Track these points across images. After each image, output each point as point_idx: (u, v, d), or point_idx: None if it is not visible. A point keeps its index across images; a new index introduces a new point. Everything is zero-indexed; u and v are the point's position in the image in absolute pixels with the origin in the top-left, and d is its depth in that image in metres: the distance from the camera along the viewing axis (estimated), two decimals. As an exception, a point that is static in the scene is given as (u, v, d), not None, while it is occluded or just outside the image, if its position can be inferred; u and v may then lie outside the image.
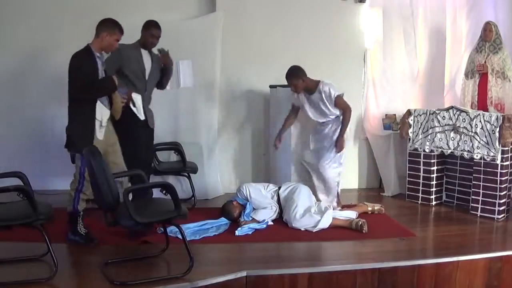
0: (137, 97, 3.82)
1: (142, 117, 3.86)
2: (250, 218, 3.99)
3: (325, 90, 4.25)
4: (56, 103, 5.05)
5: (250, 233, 3.81)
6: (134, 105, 3.80)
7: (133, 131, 3.81)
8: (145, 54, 4.00)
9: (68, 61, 5.01)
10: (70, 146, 3.44)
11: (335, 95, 4.26)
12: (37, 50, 4.99)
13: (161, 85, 4.22)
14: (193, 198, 4.68)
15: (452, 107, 4.63)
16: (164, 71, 4.15)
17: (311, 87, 4.31)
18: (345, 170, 5.43)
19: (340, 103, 4.30)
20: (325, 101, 4.27)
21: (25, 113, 5.04)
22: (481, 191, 4.35)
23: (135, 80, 3.90)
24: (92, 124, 3.40)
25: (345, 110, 4.32)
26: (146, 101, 3.97)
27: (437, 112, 4.70)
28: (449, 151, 4.61)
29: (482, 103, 4.88)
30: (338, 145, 4.34)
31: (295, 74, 4.27)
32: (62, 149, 4.61)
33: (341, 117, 4.34)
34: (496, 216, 4.27)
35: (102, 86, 3.44)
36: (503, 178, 4.26)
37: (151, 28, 3.98)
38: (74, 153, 3.45)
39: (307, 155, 4.49)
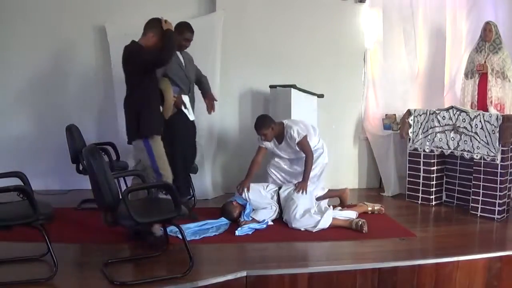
0: (186, 99, 3.96)
1: (192, 117, 4.04)
2: (250, 218, 3.99)
3: (289, 134, 4.19)
4: (57, 104, 5.07)
5: (250, 233, 3.80)
6: (185, 107, 3.95)
7: (183, 131, 4.03)
8: (180, 56, 4.07)
9: (71, 61, 5.08)
10: (145, 131, 3.39)
11: (297, 141, 4.17)
12: (42, 50, 5.00)
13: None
14: (193, 198, 4.68)
15: (452, 107, 4.63)
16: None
17: (279, 133, 4.25)
18: (345, 170, 5.48)
19: (302, 146, 4.19)
20: (291, 144, 4.25)
21: (25, 113, 5.05)
22: (481, 191, 4.35)
23: (179, 82, 3.98)
24: (159, 108, 3.49)
25: (307, 154, 4.18)
26: (191, 102, 4.08)
27: (437, 112, 4.70)
28: (449, 151, 4.61)
29: (482, 103, 4.88)
30: (300, 186, 4.11)
31: (264, 124, 4.17)
32: (62, 149, 4.65)
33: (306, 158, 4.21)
34: (496, 216, 4.27)
35: (170, 39, 3.45)
36: (503, 178, 4.26)
37: (185, 32, 4.03)
38: (145, 138, 3.39)
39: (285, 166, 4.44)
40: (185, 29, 4.03)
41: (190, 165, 4.34)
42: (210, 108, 4.32)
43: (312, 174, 4.27)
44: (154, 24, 3.52)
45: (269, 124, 4.19)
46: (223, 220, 4.02)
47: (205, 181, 5.01)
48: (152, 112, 3.47)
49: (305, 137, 4.19)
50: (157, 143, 3.45)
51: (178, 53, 4.03)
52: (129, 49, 3.46)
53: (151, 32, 3.49)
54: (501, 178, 4.23)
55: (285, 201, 4.12)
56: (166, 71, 3.86)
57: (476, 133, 4.37)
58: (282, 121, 4.31)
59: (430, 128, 4.73)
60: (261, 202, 4.15)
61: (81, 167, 4.40)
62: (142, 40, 3.52)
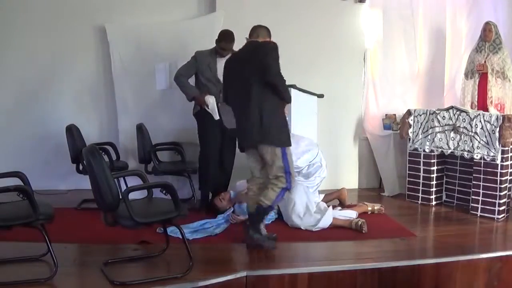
0: (209, 99, 4.20)
1: (216, 117, 4.22)
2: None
3: None
4: (57, 104, 5.07)
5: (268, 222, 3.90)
6: (208, 107, 4.19)
7: (206, 130, 4.29)
8: (219, 60, 4.24)
9: (71, 61, 5.07)
10: (274, 140, 3.33)
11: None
12: (42, 51, 5.01)
13: None
14: (193, 198, 4.68)
15: (452, 107, 4.63)
16: None
17: None
18: (345, 170, 5.48)
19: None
20: None
21: (26, 113, 5.05)
22: (481, 191, 4.35)
23: (208, 84, 4.29)
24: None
25: None
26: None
27: (437, 112, 4.70)
28: (449, 151, 4.60)
29: (482, 103, 4.88)
30: None
31: None
32: (62, 149, 4.66)
33: None
34: (496, 216, 4.27)
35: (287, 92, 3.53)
36: (503, 178, 4.25)
37: (221, 42, 4.23)
38: (280, 147, 3.34)
39: None
40: (221, 39, 4.23)
41: (227, 166, 4.51)
42: None
43: (311, 184, 4.29)
44: (269, 35, 3.57)
45: None
46: (222, 219, 4.03)
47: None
48: (285, 122, 3.49)
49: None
50: (289, 150, 3.46)
51: (219, 57, 4.23)
52: (267, 48, 3.34)
53: (270, 37, 3.54)
54: (501, 178, 4.23)
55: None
56: (197, 73, 4.28)
57: (476, 133, 4.37)
58: None
59: (430, 128, 4.73)
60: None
61: (81, 167, 4.41)
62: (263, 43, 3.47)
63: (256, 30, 3.55)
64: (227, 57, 4.03)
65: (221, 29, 5.01)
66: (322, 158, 4.41)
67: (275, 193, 3.35)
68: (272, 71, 3.27)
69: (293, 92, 4.65)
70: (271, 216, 4.10)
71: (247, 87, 3.32)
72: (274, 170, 3.35)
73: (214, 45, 5.11)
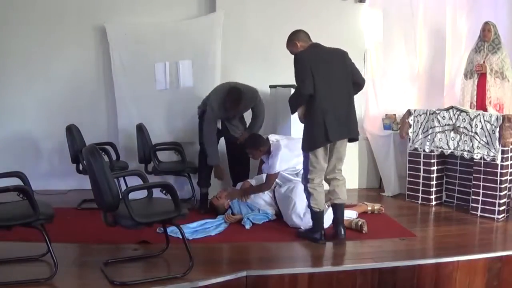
0: None
1: (219, 127, 4.59)
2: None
3: (269, 159, 4.20)
4: (57, 104, 5.07)
5: (260, 222, 3.98)
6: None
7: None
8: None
9: (71, 61, 5.07)
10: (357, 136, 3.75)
11: (269, 171, 4.18)
12: (42, 50, 5.02)
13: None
14: (193, 198, 4.68)
15: (452, 107, 4.63)
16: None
17: (269, 150, 4.27)
18: (345, 170, 5.45)
19: (267, 177, 4.20)
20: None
21: (25, 113, 5.05)
22: (481, 191, 4.35)
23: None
24: None
25: (265, 183, 4.21)
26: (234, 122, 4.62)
27: (437, 112, 4.70)
28: (449, 151, 4.60)
29: (480, 103, 4.88)
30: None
31: (253, 145, 4.24)
32: (62, 149, 4.66)
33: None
34: (496, 216, 4.27)
35: None
36: (503, 178, 4.25)
37: (229, 103, 4.35)
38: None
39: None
40: (225, 102, 4.36)
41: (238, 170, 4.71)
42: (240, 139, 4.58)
43: None
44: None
45: (257, 146, 4.24)
46: (222, 218, 4.04)
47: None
48: None
49: (276, 174, 4.18)
50: None
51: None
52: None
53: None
54: (501, 178, 4.23)
55: (282, 199, 4.12)
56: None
57: (476, 133, 4.37)
58: (269, 141, 4.28)
59: (430, 128, 4.73)
60: (258, 202, 4.22)
61: (81, 167, 4.41)
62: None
63: (307, 34, 3.88)
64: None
65: (221, 29, 5.05)
66: None
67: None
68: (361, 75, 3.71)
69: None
70: (269, 215, 4.10)
71: (346, 84, 3.58)
72: (342, 164, 3.75)
73: (214, 45, 5.14)
